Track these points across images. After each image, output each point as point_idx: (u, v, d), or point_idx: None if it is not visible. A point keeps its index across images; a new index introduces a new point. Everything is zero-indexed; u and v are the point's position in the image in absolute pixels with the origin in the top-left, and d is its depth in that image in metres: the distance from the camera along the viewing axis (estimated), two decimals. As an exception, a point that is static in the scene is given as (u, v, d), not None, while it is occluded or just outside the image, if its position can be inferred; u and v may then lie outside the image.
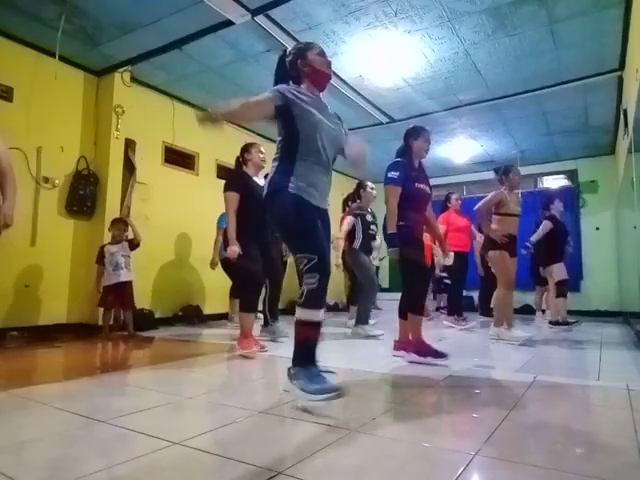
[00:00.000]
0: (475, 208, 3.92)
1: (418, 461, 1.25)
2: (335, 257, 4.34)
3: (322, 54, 2.10)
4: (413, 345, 2.81)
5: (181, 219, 5.30)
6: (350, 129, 6.70)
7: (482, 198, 4.06)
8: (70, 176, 4.39)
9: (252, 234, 3.15)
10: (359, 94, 5.18)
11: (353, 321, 4.29)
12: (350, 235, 4.24)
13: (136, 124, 4.77)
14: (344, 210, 5.06)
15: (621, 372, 2.59)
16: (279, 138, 2.00)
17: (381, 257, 5.85)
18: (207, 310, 5.40)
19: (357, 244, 4.17)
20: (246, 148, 3.40)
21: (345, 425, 1.54)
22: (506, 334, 3.73)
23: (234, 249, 3.05)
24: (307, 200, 1.89)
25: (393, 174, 2.90)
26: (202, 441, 1.39)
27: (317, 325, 1.82)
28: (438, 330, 4.69)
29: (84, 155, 4.52)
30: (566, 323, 4.76)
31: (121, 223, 4.22)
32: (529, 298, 6.58)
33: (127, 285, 4.08)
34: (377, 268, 5.89)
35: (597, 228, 7.10)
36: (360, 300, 4.22)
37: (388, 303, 6.27)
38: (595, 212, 7.13)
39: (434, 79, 4.76)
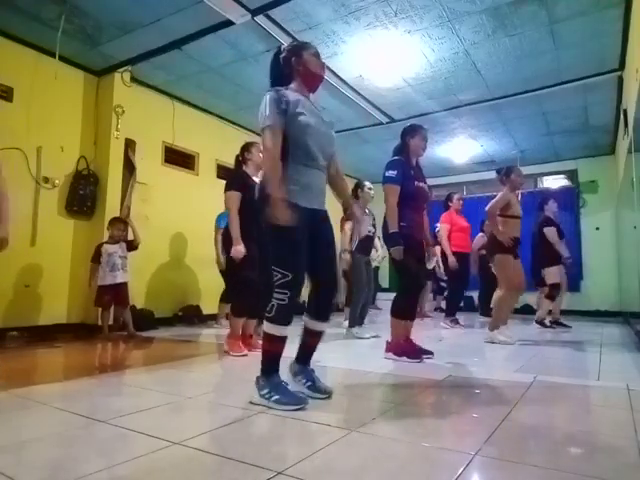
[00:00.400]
0: (487, 209, 3.83)
1: (418, 461, 1.25)
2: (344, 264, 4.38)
3: (317, 55, 2.07)
4: (390, 348, 2.89)
5: (181, 219, 5.30)
6: (350, 129, 6.74)
7: (482, 198, 4.06)
8: (70, 176, 4.39)
9: (252, 234, 3.13)
10: (359, 94, 5.18)
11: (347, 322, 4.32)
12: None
13: (136, 124, 4.77)
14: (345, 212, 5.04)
15: (621, 372, 2.59)
16: None
17: (381, 257, 5.84)
18: (207, 310, 5.40)
19: (354, 245, 4.16)
20: (247, 147, 3.35)
21: (345, 425, 1.54)
22: (500, 338, 3.68)
23: (240, 249, 3.01)
24: (299, 205, 1.83)
25: (391, 173, 2.86)
26: (202, 441, 1.39)
27: (283, 339, 1.84)
28: (439, 330, 4.70)
29: (84, 155, 4.52)
30: (542, 323, 4.85)
31: (121, 223, 4.22)
32: (529, 298, 6.58)
33: (123, 286, 4.08)
34: (377, 268, 5.90)
35: (597, 228, 7.10)
36: (351, 302, 4.22)
37: (388, 303, 6.26)
38: (595, 212, 7.13)
39: (434, 79, 4.76)
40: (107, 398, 1.97)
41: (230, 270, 3.27)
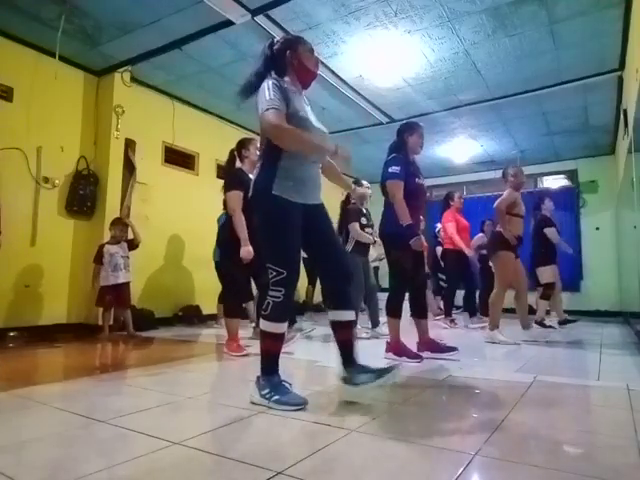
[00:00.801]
0: (495, 206, 3.84)
1: (418, 461, 1.25)
2: None
3: (312, 51, 2.02)
4: (391, 345, 2.90)
5: (181, 219, 5.30)
6: (350, 129, 6.73)
7: (482, 198, 4.06)
8: (70, 176, 4.39)
9: (249, 234, 3.10)
10: (359, 94, 5.18)
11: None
12: (345, 237, 4.20)
13: (136, 124, 4.77)
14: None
15: (621, 372, 2.59)
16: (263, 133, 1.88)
17: (380, 257, 5.82)
18: (207, 310, 5.40)
19: (350, 246, 4.14)
20: (244, 144, 3.23)
21: (345, 425, 1.54)
22: (500, 338, 3.66)
23: (249, 250, 2.97)
24: (293, 202, 1.80)
25: (395, 169, 2.85)
26: (202, 441, 1.39)
27: (280, 337, 1.83)
28: (438, 330, 4.69)
29: (84, 155, 4.52)
30: (541, 324, 4.82)
31: (122, 223, 4.23)
32: (530, 298, 6.58)
33: (125, 286, 4.09)
34: (377, 268, 5.88)
35: (597, 228, 7.10)
36: (366, 305, 4.25)
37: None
38: (595, 212, 7.13)
39: (434, 79, 4.76)
40: (107, 398, 1.97)
41: (225, 270, 3.24)
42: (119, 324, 4.21)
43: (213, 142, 5.77)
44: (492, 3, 3.48)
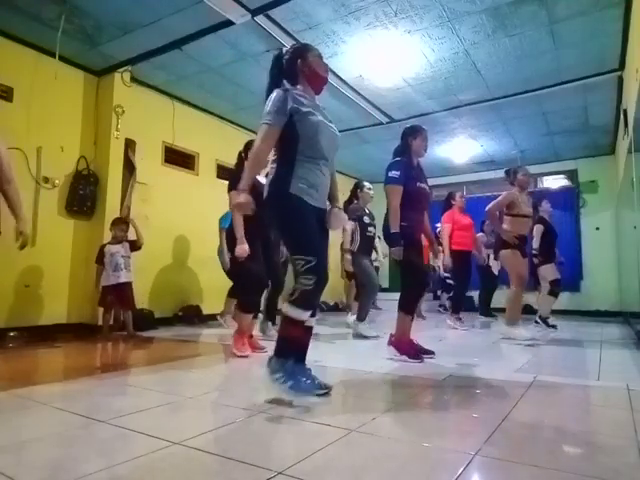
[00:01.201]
0: (486, 209, 3.91)
1: (418, 461, 1.25)
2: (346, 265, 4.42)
3: (320, 57, 2.10)
4: (394, 342, 2.91)
5: (181, 219, 5.30)
6: (350, 129, 6.74)
7: (482, 198, 4.08)
8: (70, 176, 4.39)
9: (255, 233, 3.12)
10: (359, 94, 5.18)
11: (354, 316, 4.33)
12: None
13: (136, 124, 4.77)
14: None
15: (621, 372, 2.59)
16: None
17: (382, 258, 5.83)
18: (207, 310, 5.40)
19: (355, 247, 4.16)
20: (249, 146, 3.25)
21: (345, 425, 1.54)
22: (516, 333, 3.72)
23: (244, 248, 3.00)
24: (307, 202, 1.90)
25: (394, 173, 2.88)
26: (202, 441, 1.39)
27: (301, 324, 1.85)
28: (439, 330, 4.70)
29: (84, 155, 4.52)
30: (545, 322, 4.80)
31: (123, 223, 4.22)
32: (529, 298, 6.58)
33: (127, 286, 4.08)
34: (377, 269, 5.89)
35: (597, 228, 7.10)
36: (361, 298, 4.23)
37: (388, 303, 6.27)
38: (595, 212, 7.14)
39: (434, 79, 4.76)
40: (107, 398, 1.97)
41: (235, 268, 3.26)
42: (119, 324, 4.21)
43: (213, 142, 5.78)
44: (492, 3, 3.48)
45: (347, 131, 6.19)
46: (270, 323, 3.87)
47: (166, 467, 1.21)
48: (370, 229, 4.24)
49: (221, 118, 5.89)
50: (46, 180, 4.21)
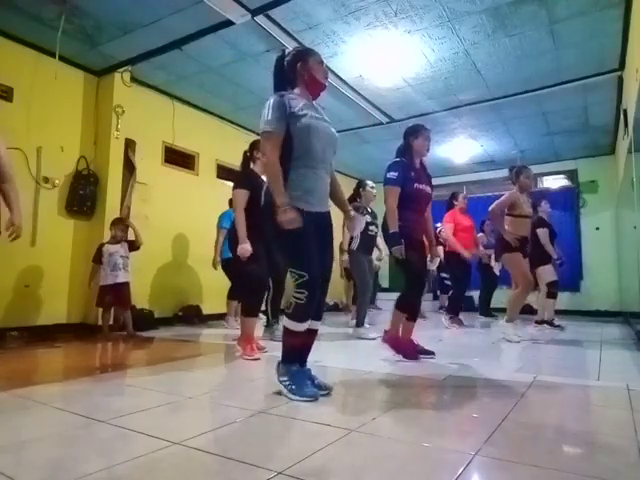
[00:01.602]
0: (490, 209, 3.88)
1: (418, 461, 1.25)
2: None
3: (322, 62, 2.10)
4: (388, 339, 2.92)
5: (181, 219, 5.30)
6: (350, 129, 6.73)
7: (482, 198, 4.07)
8: (70, 176, 4.39)
9: (258, 233, 3.10)
10: (359, 94, 5.18)
11: (355, 321, 4.32)
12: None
13: (136, 124, 4.77)
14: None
15: (621, 372, 2.59)
16: None
17: (379, 258, 5.82)
18: (207, 310, 5.40)
19: (355, 245, 4.16)
20: (255, 145, 3.25)
21: (345, 425, 1.54)
22: (509, 332, 3.75)
23: (246, 247, 2.97)
24: (303, 210, 1.86)
25: (392, 174, 2.88)
26: (202, 441, 1.39)
27: (299, 334, 1.92)
28: (439, 330, 4.69)
29: (84, 155, 4.52)
30: (551, 324, 4.79)
31: (123, 223, 4.23)
32: (529, 298, 6.57)
33: (124, 286, 4.08)
34: (378, 268, 5.88)
35: (597, 228, 7.10)
36: (357, 301, 4.23)
37: (388, 303, 6.26)
38: (595, 212, 7.14)
39: (434, 79, 4.76)
40: (107, 398, 1.97)
41: (238, 269, 3.23)
42: (119, 324, 4.21)
43: (213, 142, 5.78)
44: (492, 3, 3.48)
45: (347, 131, 6.20)
46: (276, 324, 3.85)
47: (166, 467, 1.21)
48: (372, 228, 4.25)
49: (221, 118, 5.89)
50: (46, 180, 4.21)
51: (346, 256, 4.27)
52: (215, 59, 4.41)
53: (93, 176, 4.49)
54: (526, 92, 4.97)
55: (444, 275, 6.11)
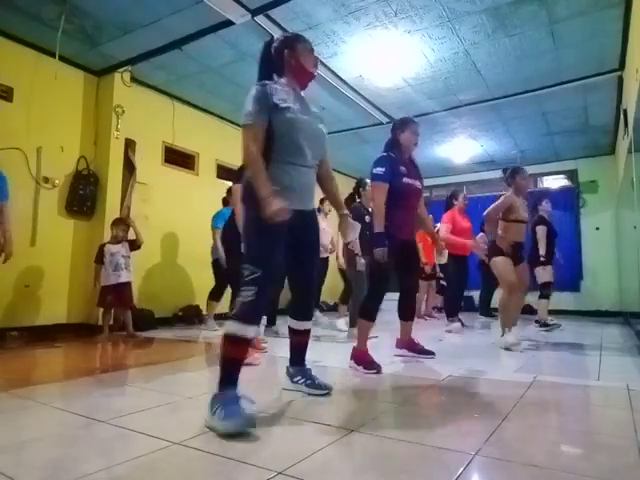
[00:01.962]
0: (485, 213, 3.65)
1: (418, 461, 1.25)
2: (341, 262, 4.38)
3: (311, 50, 1.95)
4: (355, 350, 2.66)
5: (181, 219, 5.30)
6: (350, 129, 6.71)
7: (482, 198, 4.00)
8: (70, 176, 4.39)
9: None
10: (359, 94, 5.18)
11: (342, 320, 4.29)
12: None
13: (136, 124, 4.77)
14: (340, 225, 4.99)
15: (621, 372, 2.59)
16: None
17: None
18: (207, 310, 5.40)
19: (352, 246, 4.13)
20: None
21: (345, 425, 1.54)
22: (508, 341, 3.49)
23: None
24: None
25: (379, 170, 2.72)
26: (202, 441, 1.39)
27: (245, 342, 1.64)
28: (439, 330, 4.69)
29: (84, 155, 4.52)
30: (546, 325, 4.74)
31: (123, 223, 4.23)
32: (529, 298, 6.57)
33: (126, 286, 4.08)
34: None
35: (597, 228, 7.10)
36: (351, 303, 4.14)
37: (388, 303, 6.25)
38: (595, 212, 7.14)
39: (434, 79, 4.76)
40: (107, 398, 1.97)
41: (233, 270, 3.20)
42: (119, 324, 4.21)
43: (213, 142, 5.78)
44: (492, 3, 3.48)
45: (347, 131, 6.19)
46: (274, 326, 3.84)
47: (166, 467, 1.21)
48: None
49: (221, 118, 5.89)
50: (46, 180, 4.21)
51: (342, 259, 4.24)
52: (215, 59, 4.42)
53: (93, 176, 4.49)
54: (526, 92, 4.97)
55: (440, 276, 6.10)
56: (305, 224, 1.88)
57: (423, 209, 3.01)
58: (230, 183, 4.37)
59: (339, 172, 7.73)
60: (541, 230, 4.78)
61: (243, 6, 3.50)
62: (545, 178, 7.88)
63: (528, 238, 4.78)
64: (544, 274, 4.76)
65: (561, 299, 6.45)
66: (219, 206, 4.85)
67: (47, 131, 4.21)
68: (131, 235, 4.25)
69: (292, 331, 2.04)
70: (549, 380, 2.33)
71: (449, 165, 7.75)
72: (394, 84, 4.91)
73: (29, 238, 4.05)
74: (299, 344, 2.05)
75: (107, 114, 4.58)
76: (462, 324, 4.84)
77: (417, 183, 2.82)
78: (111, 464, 1.22)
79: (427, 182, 8.41)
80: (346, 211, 2.08)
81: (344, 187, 6.40)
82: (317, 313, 5.51)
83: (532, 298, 6.17)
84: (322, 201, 5.58)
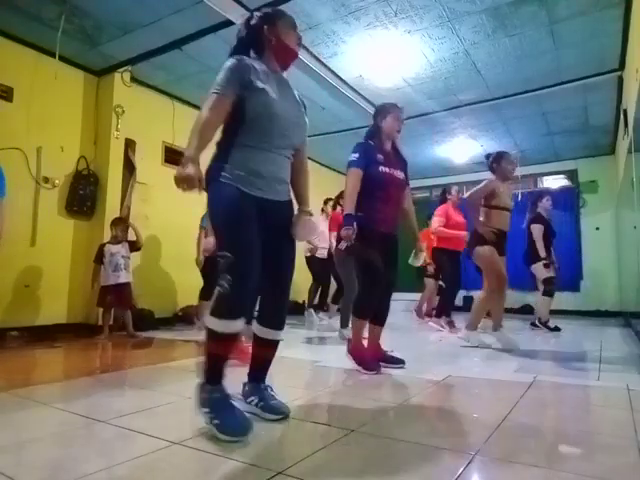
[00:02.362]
0: (465, 196, 3.47)
1: (418, 461, 1.25)
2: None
3: (294, 27, 1.78)
4: (352, 350, 2.62)
5: (181, 219, 5.29)
6: (350, 129, 6.70)
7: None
8: (70, 176, 4.39)
9: None
10: (359, 94, 5.18)
11: (332, 320, 4.30)
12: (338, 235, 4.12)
13: (136, 124, 4.77)
14: (334, 208, 4.96)
15: (621, 372, 2.59)
16: None
17: None
18: (207, 310, 5.40)
19: (344, 245, 4.08)
20: None
21: (345, 425, 1.54)
22: (475, 338, 3.45)
23: None
24: (245, 191, 1.57)
25: (353, 156, 2.60)
26: (202, 441, 1.39)
27: (227, 338, 1.52)
28: (439, 330, 4.69)
29: (84, 155, 4.52)
30: (546, 326, 4.61)
31: (123, 224, 4.23)
32: (529, 298, 6.59)
33: (126, 286, 4.09)
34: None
35: (597, 228, 7.10)
36: (343, 303, 4.09)
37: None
38: (595, 212, 7.13)
39: (434, 79, 4.76)
40: (107, 398, 1.97)
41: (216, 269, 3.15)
42: (119, 324, 4.21)
43: (213, 142, 5.77)
44: (492, 3, 3.48)
45: (347, 131, 6.19)
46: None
47: (166, 467, 1.21)
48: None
49: (221, 118, 5.88)
50: (46, 180, 4.21)
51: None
52: (215, 59, 4.41)
53: (93, 176, 4.49)
54: (526, 92, 4.97)
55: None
56: (279, 217, 1.69)
57: (410, 204, 2.82)
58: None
59: (339, 172, 7.74)
60: (537, 229, 4.69)
61: (243, 6, 3.50)
62: (545, 178, 7.88)
63: (520, 234, 4.70)
64: (544, 270, 4.64)
65: (561, 299, 6.43)
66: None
67: (47, 131, 4.21)
68: (131, 236, 4.25)
69: (256, 339, 1.74)
70: (549, 380, 2.33)
71: (449, 165, 7.75)
72: (394, 84, 4.91)
73: (29, 238, 4.05)
74: (261, 358, 1.75)
75: (107, 114, 4.58)
76: (452, 325, 4.62)
77: (397, 173, 2.64)
78: (111, 464, 1.22)
79: (427, 182, 8.53)
80: (307, 208, 1.82)
81: (343, 186, 6.41)
82: (321, 314, 5.52)
83: (531, 298, 6.19)
84: (326, 202, 5.57)
